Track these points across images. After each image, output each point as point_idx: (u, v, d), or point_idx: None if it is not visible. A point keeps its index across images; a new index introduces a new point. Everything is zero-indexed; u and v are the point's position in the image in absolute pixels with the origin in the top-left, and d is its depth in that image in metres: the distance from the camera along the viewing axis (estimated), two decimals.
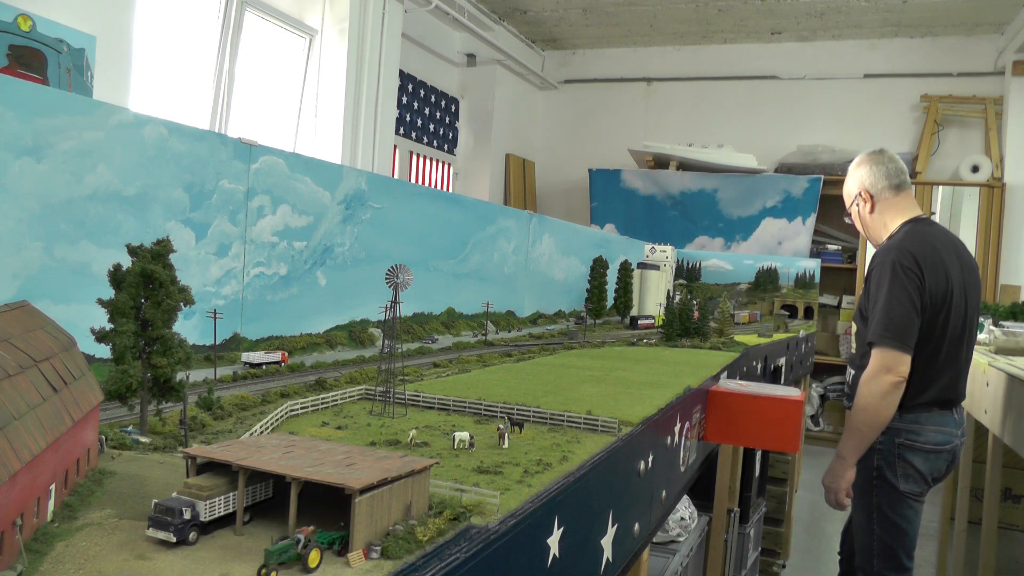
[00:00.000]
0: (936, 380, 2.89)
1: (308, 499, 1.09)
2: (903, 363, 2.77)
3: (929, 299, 2.81)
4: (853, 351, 3.24)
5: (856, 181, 3.13)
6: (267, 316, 2.43)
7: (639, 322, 4.95)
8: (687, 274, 7.07)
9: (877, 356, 2.81)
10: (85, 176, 1.84)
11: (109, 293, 1.42)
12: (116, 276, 1.42)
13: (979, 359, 3.68)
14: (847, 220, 3.29)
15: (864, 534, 3.02)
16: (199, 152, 2.14)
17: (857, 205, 3.12)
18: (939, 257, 2.85)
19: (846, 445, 2.93)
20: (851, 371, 3.17)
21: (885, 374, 2.78)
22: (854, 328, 3.26)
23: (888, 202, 3.05)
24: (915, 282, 2.79)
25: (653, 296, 5.48)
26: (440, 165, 9.06)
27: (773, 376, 4.31)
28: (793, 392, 2.74)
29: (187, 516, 0.99)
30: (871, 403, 2.81)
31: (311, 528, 0.99)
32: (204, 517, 1.02)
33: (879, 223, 3.07)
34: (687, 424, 2.39)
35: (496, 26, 9.14)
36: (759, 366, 4.05)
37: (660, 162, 9.40)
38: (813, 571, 5.11)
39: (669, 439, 2.17)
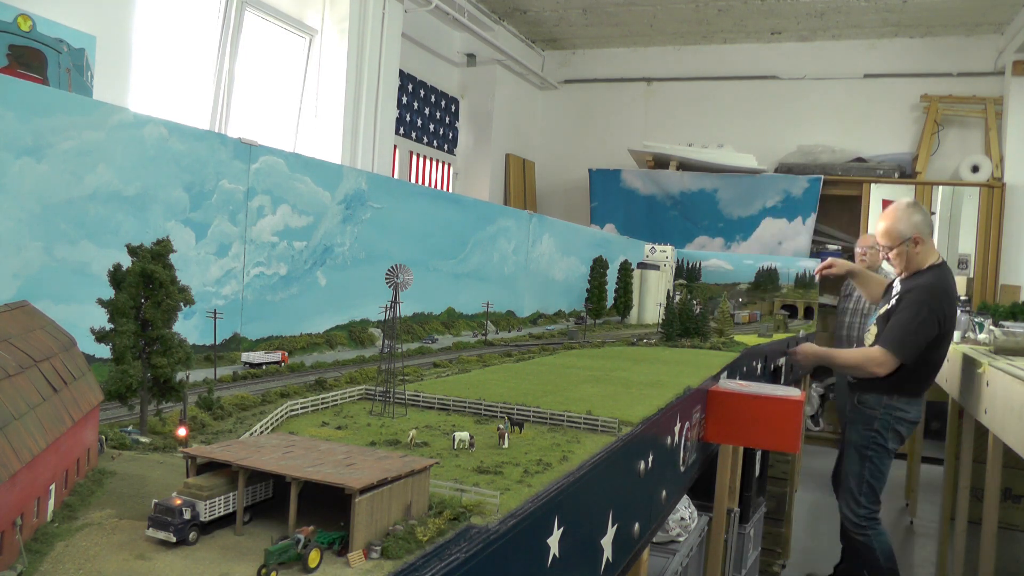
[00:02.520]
0: (927, 380, 4.06)
1: (308, 499, 1.09)
2: (892, 367, 3.86)
3: (941, 329, 3.82)
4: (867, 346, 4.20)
5: (911, 227, 3.91)
6: (267, 316, 2.43)
7: None
8: (687, 274, 7.07)
9: (882, 354, 3.86)
10: (85, 176, 1.84)
11: (109, 293, 1.42)
12: (116, 276, 1.42)
13: (979, 359, 3.68)
14: (885, 257, 4.09)
15: (856, 479, 4.13)
16: (199, 152, 2.14)
17: (906, 245, 3.92)
18: (954, 298, 3.91)
19: (835, 358, 4.22)
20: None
21: (878, 367, 3.87)
22: (873, 330, 4.13)
23: (927, 245, 3.96)
24: (938, 319, 3.78)
25: (653, 296, 5.48)
26: (440, 165, 9.05)
27: (773, 376, 4.31)
28: (793, 392, 2.74)
29: (187, 516, 0.99)
30: (859, 366, 3.98)
31: (311, 528, 0.99)
32: (204, 517, 1.02)
33: (919, 261, 3.95)
34: (687, 424, 2.39)
35: (496, 26, 9.14)
36: (759, 366, 4.05)
37: (660, 162, 9.40)
38: (813, 571, 5.11)
39: (669, 439, 2.17)
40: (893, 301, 3.93)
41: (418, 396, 2.02)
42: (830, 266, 4.59)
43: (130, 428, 1.49)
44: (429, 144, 8.67)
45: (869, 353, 3.88)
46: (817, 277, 4.67)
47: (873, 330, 4.08)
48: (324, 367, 2.50)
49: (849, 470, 4.15)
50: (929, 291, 3.78)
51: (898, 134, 9.11)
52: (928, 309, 3.74)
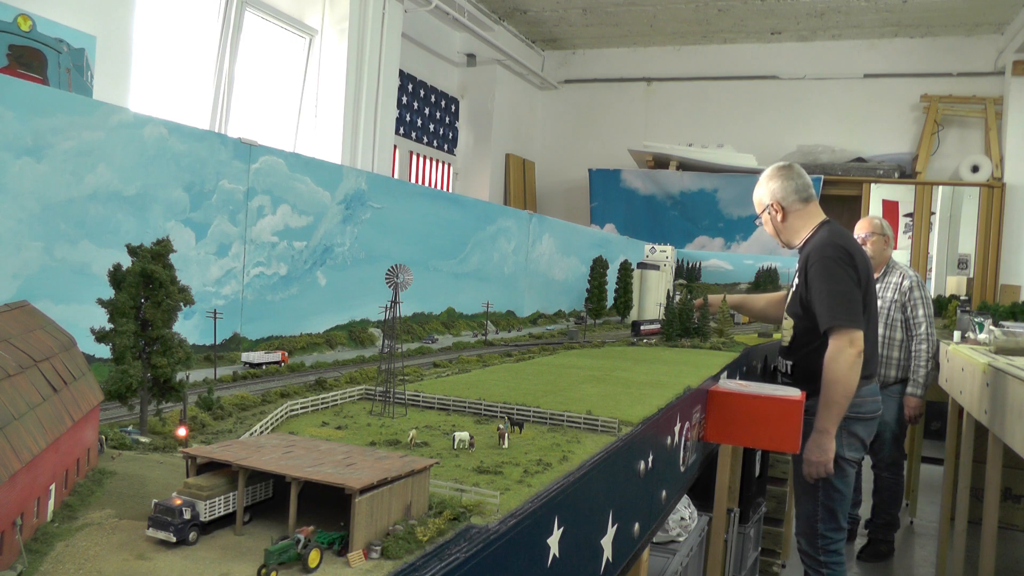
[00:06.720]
0: (872, 356, 3.30)
1: (308, 499, 1.09)
2: (859, 337, 3.11)
3: (860, 286, 3.19)
4: (786, 344, 3.48)
5: (768, 193, 3.46)
6: (267, 316, 2.43)
7: (642, 328, 4.01)
8: (687, 274, 7.07)
9: (836, 335, 3.11)
10: (85, 176, 1.84)
11: (109, 293, 1.42)
12: (116, 276, 1.42)
13: (979, 359, 3.67)
14: (757, 223, 3.59)
15: (809, 501, 3.35)
16: (199, 152, 2.14)
17: (768, 213, 3.48)
18: (858, 248, 3.29)
19: (827, 419, 3.14)
20: (788, 362, 3.44)
21: (848, 347, 3.08)
22: (789, 322, 3.45)
23: (798, 212, 3.42)
24: (851, 270, 3.17)
25: (653, 296, 5.48)
26: (440, 165, 9.05)
27: (773, 376, 4.31)
28: (793, 392, 2.74)
29: (187, 516, 0.99)
30: (842, 375, 3.08)
31: (311, 528, 0.99)
32: (204, 517, 1.02)
33: (791, 229, 3.44)
34: (687, 424, 2.39)
35: (496, 26, 9.14)
36: (759, 366, 4.05)
37: (660, 162, 9.41)
38: None
39: (669, 439, 2.17)
40: (797, 280, 3.37)
41: (418, 396, 2.02)
42: (701, 304, 4.01)
43: (130, 428, 1.49)
44: (429, 144, 8.67)
45: (832, 356, 3.10)
46: (696, 316, 3.92)
47: (789, 323, 3.43)
48: (324, 367, 2.50)
49: (801, 493, 3.42)
50: (823, 249, 3.23)
51: (898, 134, 9.11)
52: (832, 265, 3.17)
